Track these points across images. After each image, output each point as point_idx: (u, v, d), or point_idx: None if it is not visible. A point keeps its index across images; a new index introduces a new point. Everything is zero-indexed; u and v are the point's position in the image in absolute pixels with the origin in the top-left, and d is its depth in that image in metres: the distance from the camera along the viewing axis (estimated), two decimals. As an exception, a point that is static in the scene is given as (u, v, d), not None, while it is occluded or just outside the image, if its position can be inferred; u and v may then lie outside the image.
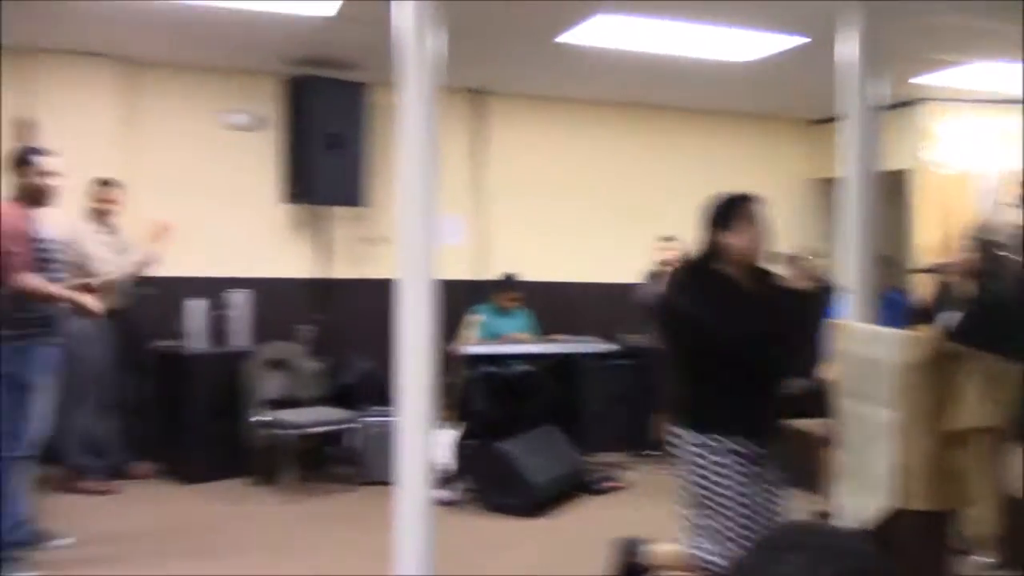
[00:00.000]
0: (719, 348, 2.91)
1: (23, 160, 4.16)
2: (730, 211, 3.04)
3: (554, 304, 6.86)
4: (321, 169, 6.25)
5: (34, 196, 4.14)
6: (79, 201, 5.37)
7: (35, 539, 4.20)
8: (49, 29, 5.46)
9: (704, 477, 2.96)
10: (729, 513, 2.92)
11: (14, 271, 3.97)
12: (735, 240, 3.01)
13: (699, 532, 3.01)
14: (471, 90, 7.03)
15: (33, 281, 4.00)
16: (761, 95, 7.06)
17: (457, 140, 6.92)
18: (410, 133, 1.59)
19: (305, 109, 6.25)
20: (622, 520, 5.09)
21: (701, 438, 2.95)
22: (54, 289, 4.09)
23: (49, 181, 4.16)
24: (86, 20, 5.24)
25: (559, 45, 5.61)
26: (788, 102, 7.37)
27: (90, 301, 4.27)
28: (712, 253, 3.05)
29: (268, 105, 6.50)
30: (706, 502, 2.97)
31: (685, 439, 3.00)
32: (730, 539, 2.91)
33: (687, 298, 3.07)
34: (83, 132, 5.82)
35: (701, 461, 2.95)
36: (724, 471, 2.92)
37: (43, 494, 4.65)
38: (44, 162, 4.17)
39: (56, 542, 4.36)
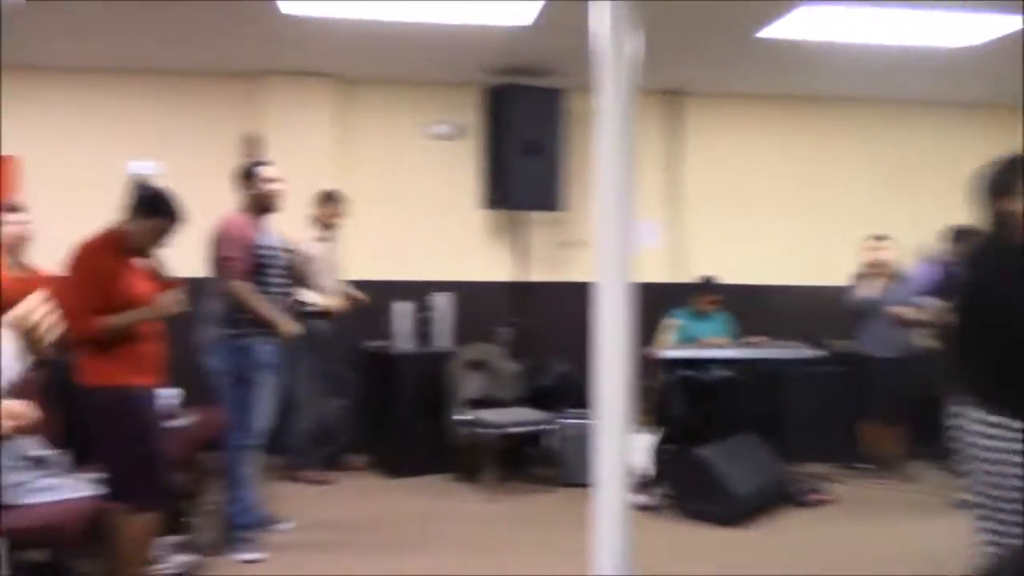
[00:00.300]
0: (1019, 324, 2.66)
1: (248, 173, 4.49)
2: (1013, 175, 2.79)
3: (755, 307, 6.63)
4: (519, 175, 6.39)
5: (260, 204, 4.45)
6: (301, 213, 5.77)
7: (262, 522, 4.56)
8: (274, 52, 5.93)
9: (994, 461, 2.69)
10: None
11: (230, 276, 4.31)
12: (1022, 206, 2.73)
13: (986, 523, 2.76)
14: (666, 91, 6.94)
15: (243, 289, 4.30)
16: (983, 82, 6.49)
17: (653, 142, 6.86)
18: (607, 137, 1.59)
19: (503, 117, 6.41)
20: (830, 535, 4.85)
21: (996, 420, 2.69)
22: (257, 304, 4.32)
23: (272, 188, 4.46)
24: (307, 42, 5.64)
25: (760, 40, 5.43)
26: (1015, 89, 6.74)
27: (285, 324, 4.42)
28: (999, 225, 2.79)
29: (468, 115, 6.72)
30: (995, 490, 2.70)
31: (976, 420, 2.75)
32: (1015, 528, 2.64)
33: (986, 275, 2.84)
34: (303, 147, 6.29)
35: (991, 443, 2.70)
36: (1016, 453, 2.65)
37: (268, 481, 5.03)
38: (266, 171, 4.49)
39: (279, 526, 4.71)
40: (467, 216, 6.77)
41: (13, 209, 4.44)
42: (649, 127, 6.80)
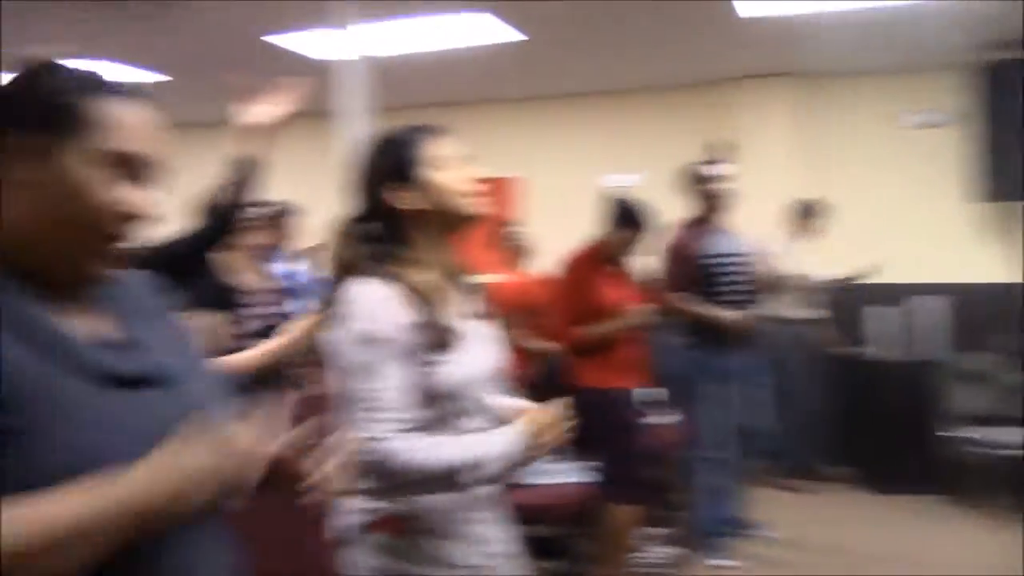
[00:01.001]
0: None
1: (694, 176, 4.28)
2: None
3: None
4: (1022, 162, 5.58)
5: (708, 205, 4.22)
6: (772, 217, 5.69)
7: (736, 526, 4.48)
8: (733, 57, 5.95)
9: None
10: None
11: (668, 289, 4.20)
12: None
13: None
14: None
15: (678, 299, 4.15)
16: None
17: None
18: None
19: (1001, 97, 5.65)
20: None
21: None
22: (694, 309, 4.13)
23: (718, 187, 4.20)
24: (766, 42, 5.56)
25: None
26: None
27: (733, 320, 4.15)
28: None
29: (952, 99, 6.06)
30: None
31: None
32: None
33: None
34: (770, 150, 6.23)
35: None
36: None
37: (747, 486, 4.88)
38: (711, 169, 4.24)
39: (756, 530, 4.58)
40: (954, 210, 6.08)
41: (509, 225, 5.03)
42: None
